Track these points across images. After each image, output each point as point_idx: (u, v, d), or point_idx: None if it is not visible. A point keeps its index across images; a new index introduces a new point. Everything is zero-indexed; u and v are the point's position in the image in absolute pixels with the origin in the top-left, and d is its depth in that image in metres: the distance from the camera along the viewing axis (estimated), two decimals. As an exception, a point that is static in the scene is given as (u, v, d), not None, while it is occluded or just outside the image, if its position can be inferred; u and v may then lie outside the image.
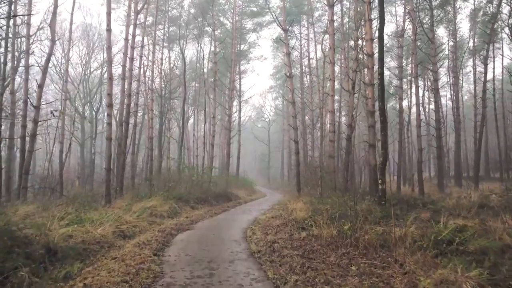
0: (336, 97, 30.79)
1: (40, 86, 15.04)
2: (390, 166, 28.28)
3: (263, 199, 22.89)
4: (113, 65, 31.00)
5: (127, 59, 17.00)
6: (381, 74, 9.58)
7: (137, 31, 24.09)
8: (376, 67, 11.55)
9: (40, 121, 15.55)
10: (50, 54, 15.69)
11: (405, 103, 26.06)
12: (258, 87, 65.75)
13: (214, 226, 9.78)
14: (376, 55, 12.43)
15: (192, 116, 36.72)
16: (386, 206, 8.83)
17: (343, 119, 26.67)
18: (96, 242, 6.54)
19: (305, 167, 18.07)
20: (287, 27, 18.24)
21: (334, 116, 15.09)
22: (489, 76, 25.25)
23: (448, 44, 28.10)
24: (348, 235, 6.63)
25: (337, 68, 26.87)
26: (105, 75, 28.07)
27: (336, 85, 32.82)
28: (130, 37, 16.56)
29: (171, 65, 29.17)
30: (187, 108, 37.56)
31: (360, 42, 16.13)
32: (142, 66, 21.09)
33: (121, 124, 16.72)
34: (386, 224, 7.29)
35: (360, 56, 16.13)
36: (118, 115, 18.96)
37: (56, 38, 16.44)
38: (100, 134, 35.91)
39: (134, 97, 21.35)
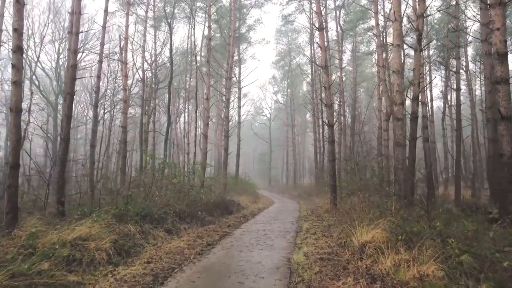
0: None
1: None
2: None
3: (273, 208, 17.15)
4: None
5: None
6: None
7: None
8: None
9: None
10: None
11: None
12: (259, 78, 60.02)
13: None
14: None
15: (183, 111, 30.72)
16: None
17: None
18: None
19: (354, 159, 11.78)
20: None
21: (402, 79, 9.38)
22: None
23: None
24: None
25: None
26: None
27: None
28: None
29: (157, 43, 23.38)
30: (178, 101, 31.82)
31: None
32: (106, 25, 15.29)
33: (64, 98, 10.91)
34: None
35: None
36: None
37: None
38: (75, 129, 30.27)
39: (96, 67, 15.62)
